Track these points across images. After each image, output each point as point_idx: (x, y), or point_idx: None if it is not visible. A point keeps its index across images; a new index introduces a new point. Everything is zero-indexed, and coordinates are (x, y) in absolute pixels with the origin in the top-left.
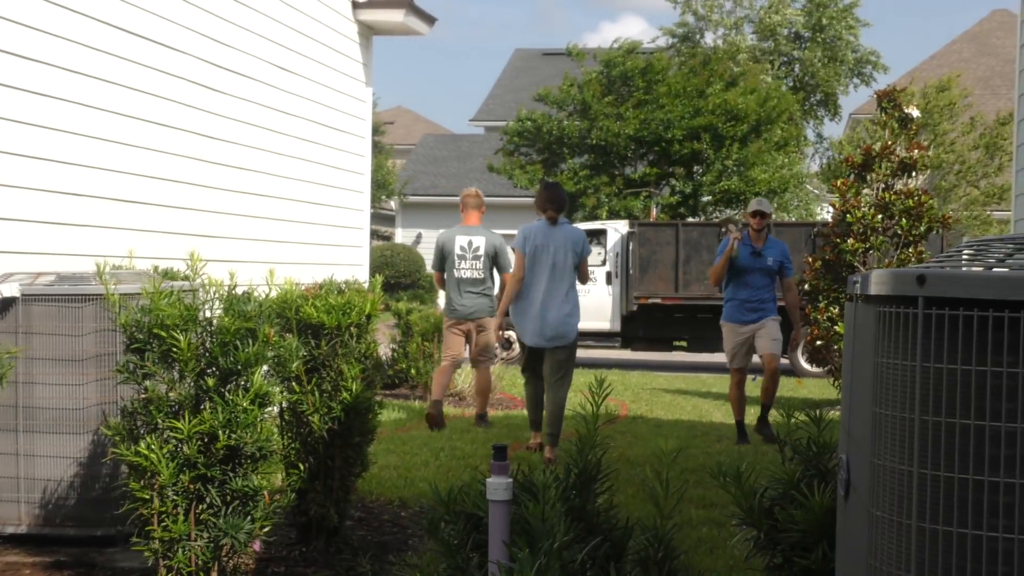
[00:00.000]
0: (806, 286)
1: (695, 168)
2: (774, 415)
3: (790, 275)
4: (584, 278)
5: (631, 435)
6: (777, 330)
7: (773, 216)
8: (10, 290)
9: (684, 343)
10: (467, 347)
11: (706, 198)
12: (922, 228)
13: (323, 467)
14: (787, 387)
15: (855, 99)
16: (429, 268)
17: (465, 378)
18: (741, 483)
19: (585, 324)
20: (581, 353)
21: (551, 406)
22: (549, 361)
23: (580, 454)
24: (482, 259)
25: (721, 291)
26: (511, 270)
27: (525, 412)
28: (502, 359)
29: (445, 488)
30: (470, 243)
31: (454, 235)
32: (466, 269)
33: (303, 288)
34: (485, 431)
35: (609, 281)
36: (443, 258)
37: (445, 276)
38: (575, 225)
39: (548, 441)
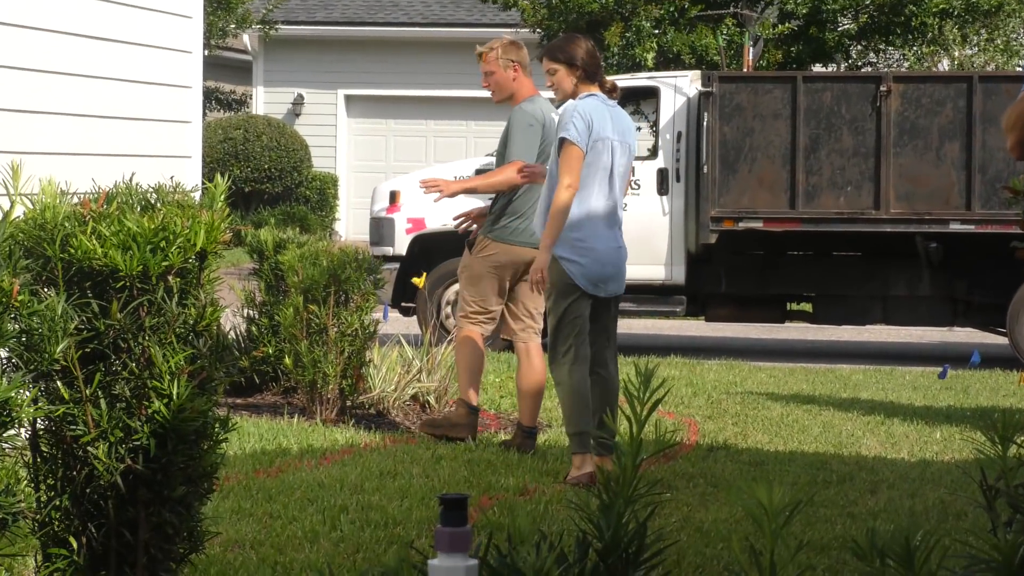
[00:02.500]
0: None
1: None
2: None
3: None
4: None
5: (704, 480)
6: None
7: None
8: None
9: (808, 306)
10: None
11: (846, 25)
12: None
13: (116, 544)
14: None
15: None
16: (319, 163)
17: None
18: (915, 569)
19: None
20: None
21: (609, 395)
22: (601, 322)
23: (607, 516)
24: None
25: None
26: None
27: (499, 436)
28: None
29: None
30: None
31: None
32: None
33: (76, 200)
34: (448, 467)
35: (663, 188)
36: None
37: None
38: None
39: (599, 451)
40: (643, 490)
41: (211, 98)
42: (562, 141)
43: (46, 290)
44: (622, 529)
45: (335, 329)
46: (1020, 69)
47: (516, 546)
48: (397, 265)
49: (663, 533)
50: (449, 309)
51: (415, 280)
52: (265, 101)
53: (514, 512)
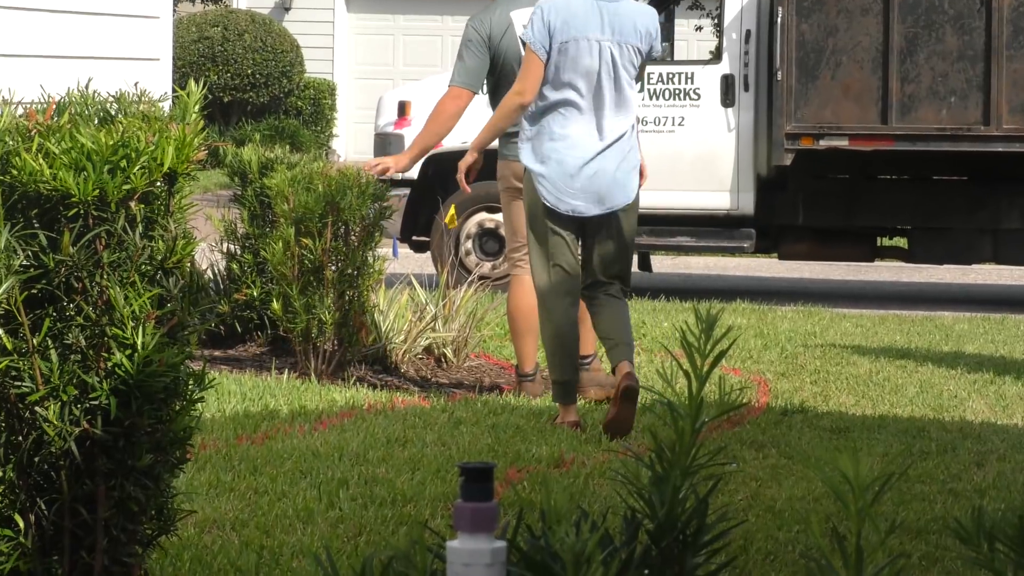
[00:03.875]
0: None
1: None
2: None
3: None
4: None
5: (777, 449)
6: None
7: None
8: None
9: (902, 241)
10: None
11: None
12: None
13: (70, 524)
14: None
15: None
16: (313, 68)
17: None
18: None
19: (672, 199)
20: (663, 268)
21: (614, 320)
22: (600, 244)
23: (660, 491)
24: None
25: None
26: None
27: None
28: (481, 278)
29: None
30: None
31: None
32: None
33: (20, 111)
34: (468, 433)
35: (727, 99)
36: None
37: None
38: None
39: (620, 355)
40: (703, 460)
41: None
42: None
43: None
44: (678, 506)
45: (333, 268)
46: None
47: (551, 526)
48: (407, 191)
49: (727, 512)
50: (470, 244)
51: (448, 220)
52: None
53: (548, 486)
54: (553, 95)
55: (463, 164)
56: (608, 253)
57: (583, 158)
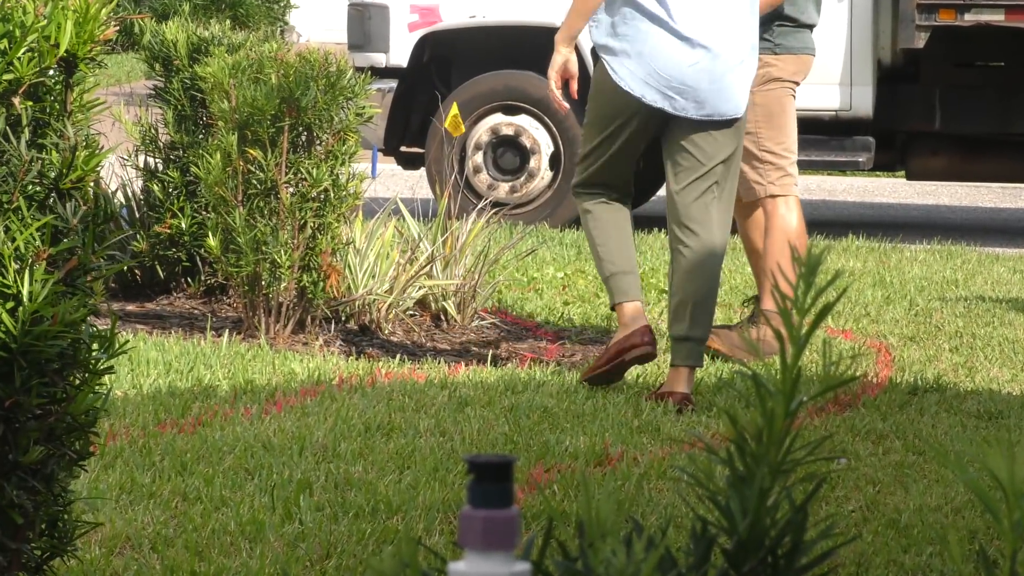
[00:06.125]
0: None
1: None
2: None
3: None
4: None
5: (903, 441)
6: None
7: None
8: None
9: None
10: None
11: None
12: None
13: None
14: None
15: None
16: None
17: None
18: None
19: None
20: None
21: (698, 279)
22: (685, 159)
23: (741, 497)
24: None
25: None
26: None
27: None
28: (495, 204)
29: None
30: None
31: None
32: None
33: None
34: (478, 417)
35: None
36: None
37: None
38: None
39: (685, 357)
40: (801, 455)
41: None
42: None
43: None
44: (766, 517)
45: (291, 190)
46: None
47: (592, 542)
48: (394, 84)
49: (834, 526)
50: (480, 158)
51: (450, 124)
52: None
53: (588, 490)
54: None
55: (557, 68)
56: (696, 167)
57: (682, 44)
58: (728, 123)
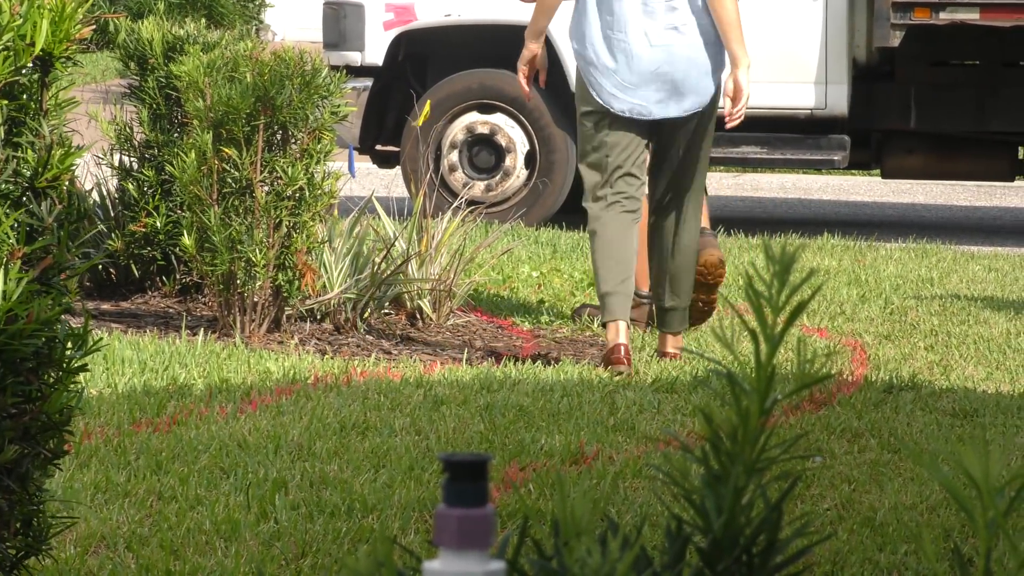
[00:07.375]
0: None
1: None
2: None
3: None
4: None
5: (878, 439)
6: None
7: None
8: None
9: None
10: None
11: None
12: None
13: None
14: None
15: None
16: None
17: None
18: None
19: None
20: (723, 188)
21: (678, 254)
22: (665, 157)
23: (716, 495)
24: None
25: None
26: None
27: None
28: (471, 202)
29: None
30: None
31: None
32: None
33: None
34: (453, 416)
35: None
36: None
37: None
38: None
39: (669, 323)
40: (776, 453)
41: None
42: None
43: None
44: (741, 516)
45: (266, 189)
46: None
47: (567, 541)
48: (369, 83)
49: (809, 524)
50: (456, 156)
51: (422, 120)
52: None
53: (563, 489)
54: None
55: (525, 61)
56: (676, 161)
57: (645, 47)
58: (697, 115)
